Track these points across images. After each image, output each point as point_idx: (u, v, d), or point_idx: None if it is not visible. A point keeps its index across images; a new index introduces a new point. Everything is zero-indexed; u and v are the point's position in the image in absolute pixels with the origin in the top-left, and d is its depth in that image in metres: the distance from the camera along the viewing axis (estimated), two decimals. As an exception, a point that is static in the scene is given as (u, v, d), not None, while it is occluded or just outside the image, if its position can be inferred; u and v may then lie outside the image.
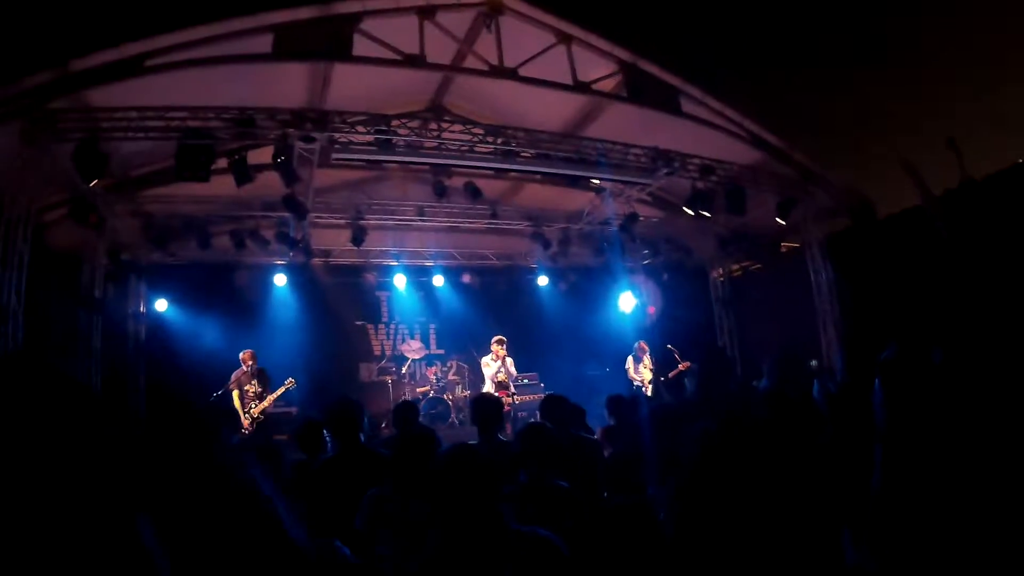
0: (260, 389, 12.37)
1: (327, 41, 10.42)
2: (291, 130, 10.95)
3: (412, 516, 3.95)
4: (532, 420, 7.57)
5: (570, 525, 4.07)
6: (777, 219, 14.49)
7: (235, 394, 12.32)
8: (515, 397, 14.37)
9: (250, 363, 12.51)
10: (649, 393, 14.86)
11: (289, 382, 12.60)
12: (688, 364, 14.86)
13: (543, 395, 14.05)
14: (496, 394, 13.49)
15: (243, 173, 11.13)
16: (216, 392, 12.50)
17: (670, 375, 15.30)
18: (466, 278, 19.31)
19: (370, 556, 3.84)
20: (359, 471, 4.94)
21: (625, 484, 4.77)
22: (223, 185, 11.67)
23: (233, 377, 12.47)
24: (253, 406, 12.24)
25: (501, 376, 14.18)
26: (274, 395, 12.45)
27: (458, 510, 2.95)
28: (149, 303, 16.30)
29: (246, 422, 12.13)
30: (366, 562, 3.73)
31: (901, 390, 3.25)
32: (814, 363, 13.95)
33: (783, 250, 17.50)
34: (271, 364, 12.92)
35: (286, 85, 11.51)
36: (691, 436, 3.43)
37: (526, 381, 16.01)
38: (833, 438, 4.29)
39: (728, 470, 3.15)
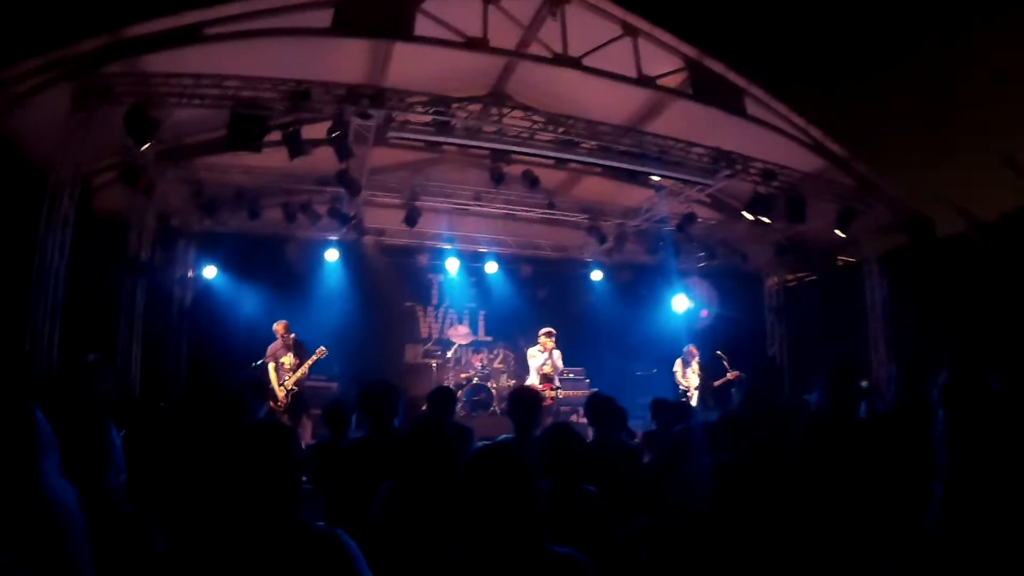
0: (296, 361, 12.31)
1: (388, 19, 10.32)
2: (347, 105, 10.87)
3: (426, 512, 3.77)
4: (558, 421, 7.33)
5: (597, 536, 3.90)
6: (836, 231, 14.11)
7: (271, 367, 12.28)
8: (559, 391, 14.14)
9: (284, 335, 12.48)
10: (694, 401, 14.60)
11: (320, 351, 12.45)
12: (737, 374, 14.55)
13: (588, 391, 13.93)
14: (540, 387, 13.39)
15: (296, 146, 11.03)
16: (256, 361, 12.50)
17: (716, 384, 15.01)
18: (525, 269, 19.19)
19: (385, 550, 3.67)
20: (385, 457, 4.81)
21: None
22: (276, 158, 11.61)
23: (269, 350, 12.45)
24: (288, 377, 12.20)
25: (547, 369, 13.97)
26: (306, 365, 12.35)
27: (490, 520, 2.65)
28: (197, 269, 16.36)
29: (281, 394, 12.09)
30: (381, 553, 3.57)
31: (970, 422, 2.98)
32: (864, 383, 13.59)
33: (839, 263, 17.18)
34: (316, 339, 12.80)
35: (345, 62, 11.41)
36: (701, 470, 3.15)
37: (571, 376, 15.85)
38: (878, 465, 4.03)
39: (738, 522, 2.88)
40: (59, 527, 2.32)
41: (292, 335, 12.49)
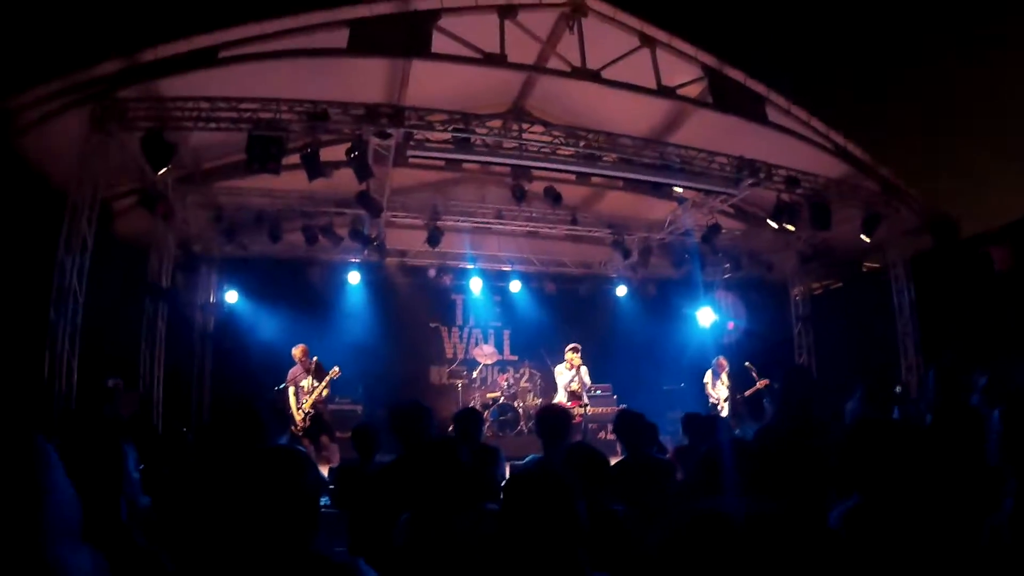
0: (316, 384, 12.30)
1: (404, 37, 10.34)
2: (365, 124, 10.83)
3: (449, 538, 3.62)
4: (577, 441, 7.17)
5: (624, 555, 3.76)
6: (862, 236, 13.95)
7: (291, 391, 12.26)
8: (587, 408, 13.99)
9: (303, 358, 12.47)
10: (725, 412, 14.44)
11: (334, 371, 12.41)
12: (766, 382, 14.35)
13: (616, 408, 13.80)
14: (569, 404, 13.28)
15: (315, 167, 11.00)
16: (278, 386, 12.48)
17: (747, 393, 14.82)
18: (549, 287, 19.10)
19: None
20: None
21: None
22: (296, 181, 11.62)
23: (290, 375, 12.45)
24: (306, 400, 12.16)
25: (575, 386, 13.84)
26: (321, 385, 12.30)
27: (531, 545, 2.50)
28: (219, 294, 16.41)
29: (299, 417, 12.05)
30: None
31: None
32: (899, 389, 13.41)
33: (864, 270, 17.01)
34: (339, 361, 12.72)
35: (363, 82, 11.38)
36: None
37: (599, 392, 15.72)
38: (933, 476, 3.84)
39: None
40: None
41: (314, 359, 12.47)
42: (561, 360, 14.14)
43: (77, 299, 9.87)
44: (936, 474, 3.77)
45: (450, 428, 14.51)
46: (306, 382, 12.27)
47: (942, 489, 3.50)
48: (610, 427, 11.35)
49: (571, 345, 14.01)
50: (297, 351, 12.52)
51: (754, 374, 14.90)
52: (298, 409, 12.12)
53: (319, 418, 12.27)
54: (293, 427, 12.00)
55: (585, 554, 2.54)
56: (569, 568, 2.48)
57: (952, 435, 4.01)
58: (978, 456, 3.27)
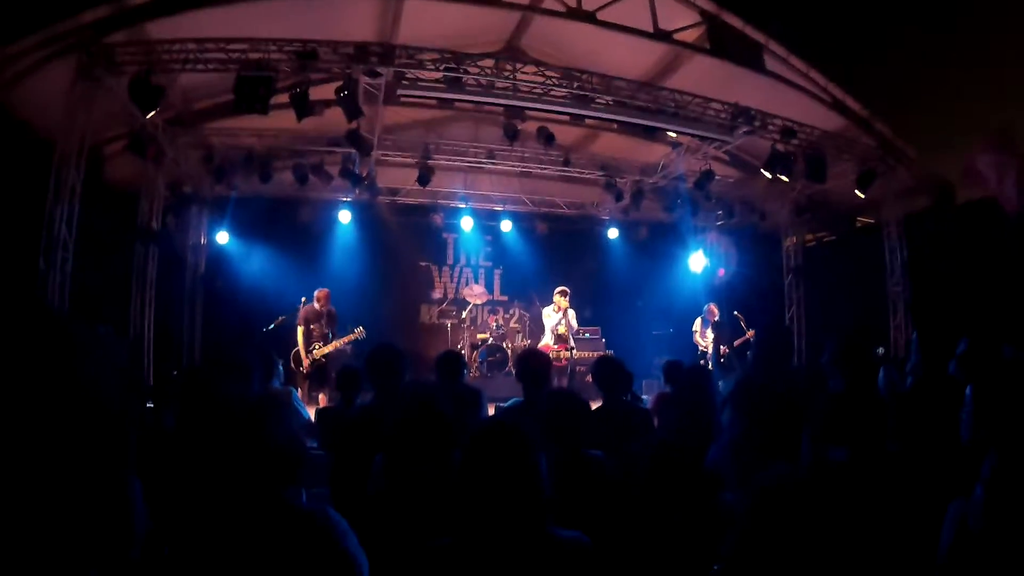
0: (326, 331, 12.29)
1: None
2: (355, 64, 10.72)
3: (422, 485, 3.63)
4: (558, 387, 7.14)
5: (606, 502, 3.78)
6: (856, 191, 13.94)
7: (300, 330, 12.24)
8: (574, 351, 14.06)
9: (324, 302, 12.43)
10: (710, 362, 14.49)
11: (358, 331, 12.50)
12: (754, 332, 14.39)
13: (605, 352, 13.87)
14: (555, 347, 13.38)
15: (304, 106, 10.86)
16: (268, 326, 12.49)
17: (736, 343, 14.84)
18: (541, 227, 19.11)
19: (383, 524, 3.55)
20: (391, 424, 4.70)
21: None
22: (287, 120, 11.48)
23: (301, 313, 12.42)
24: (317, 347, 12.15)
25: (561, 329, 13.92)
26: (340, 341, 12.36)
27: (488, 502, 2.47)
28: (210, 235, 16.38)
29: (307, 361, 12.07)
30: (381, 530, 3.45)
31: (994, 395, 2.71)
32: (881, 350, 13.44)
33: (858, 224, 16.99)
34: (332, 301, 12.75)
35: (353, 21, 11.27)
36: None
37: (588, 335, 15.79)
38: (900, 451, 3.75)
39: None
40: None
41: (327, 304, 12.47)
42: (550, 302, 14.18)
43: (67, 248, 9.88)
44: (906, 447, 3.74)
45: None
46: (316, 326, 12.28)
47: (909, 464, 3.47)
48: (591, 375, 11.40)
49: (559, 288, 14.04)
50: (320, 294, 12.47)
51: (743, 324, 14.93)
52: (307, 353, 12.13)
53: (324, 367, 12.26)
54: (301, 368, 12.08)
55: (545, 511, 2.52)
56: (527, 524, 2.47)
57: (928, 405, 3.99)
58: (951, 432, 3.20)
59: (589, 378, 14.14)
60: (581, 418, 4.37)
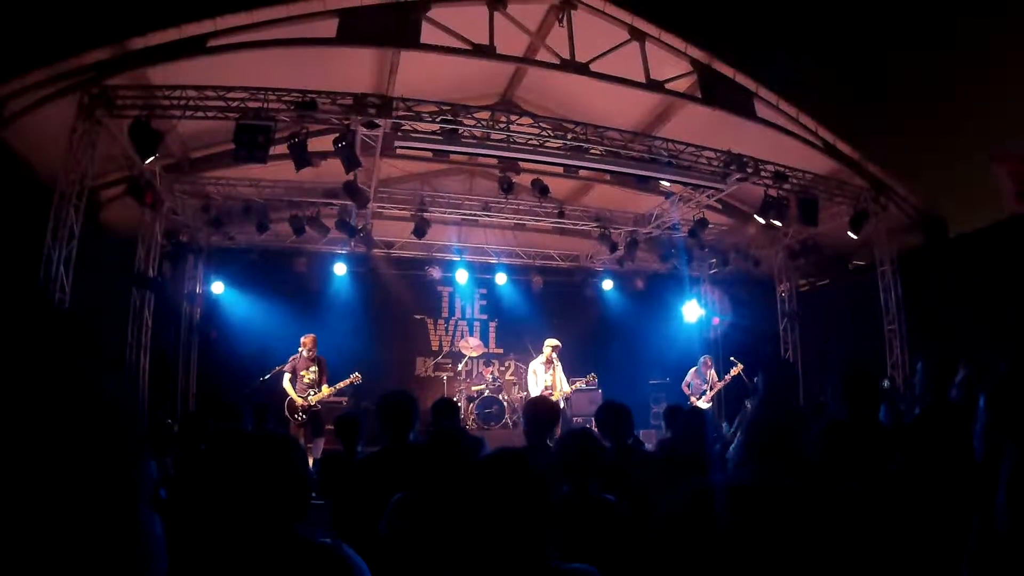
0: (316, 377, 12.18)
1: (393, 28, 10.34)
2: (354, 115, 10.82)
3: (435, 525, 3.61)
4: (576, 427, 7.13)
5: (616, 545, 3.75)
6: (849, 233, 14.00)
7: (287, 378, 12.16)
8: (571, 400, 14.06)
9: (311, 349, 12.35)
10: (704, 404, 14.37)
11: (354, 376, 12.40)
12: (741, 367, 14.32)
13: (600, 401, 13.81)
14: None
15: (302, 157, 10.98)
16: (264, 376, 12.46)
17: (726, 378, 14.69)
18: (536, 279, 19.12)
19: (394, 564, 3.53)
20: (400, 469, 4.69)
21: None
22: (284, 171, 11.61)
23: (289, 361, 12.33)
24: (311, 393, 12.06)
25: (547, 381, 13.84)
26: (337, 387, 12.30)
27: (488, 533, 2.37)
28: (206, 284, 16.38)
29: (301, 403, 11.97)
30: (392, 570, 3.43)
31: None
32: (886, 383, 13.40)
33: (851, 267, 17.05)
34: (326, 352, 12.71)
35: (351, 72, 11.35)
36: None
37: (584, 386, 15.75)
38: (904, 478, 3.77)
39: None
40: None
41: (315, 349, 12.39)
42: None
43: (64, 289, 9.84)
44: (916, 473, 3.75)
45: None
46: (306, 373, 12.17)
47: (922, 488, 3.48)
48: (594, 421, 11.33)
49: (552, 343, 13.99)
50: (308, 339, 12.37)
51: (734, 363, 14.76)
52: (302, 399, 12.03)
53: (319, 415, 12.20)
54: (291, 415, 12.01)
55: (546, 543, 2.42)
56: (528, 557, 2.37)
57: (935, 433, 4.00)
58: (963, 453, 3.21)
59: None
60: (597, 459, 4.36)
